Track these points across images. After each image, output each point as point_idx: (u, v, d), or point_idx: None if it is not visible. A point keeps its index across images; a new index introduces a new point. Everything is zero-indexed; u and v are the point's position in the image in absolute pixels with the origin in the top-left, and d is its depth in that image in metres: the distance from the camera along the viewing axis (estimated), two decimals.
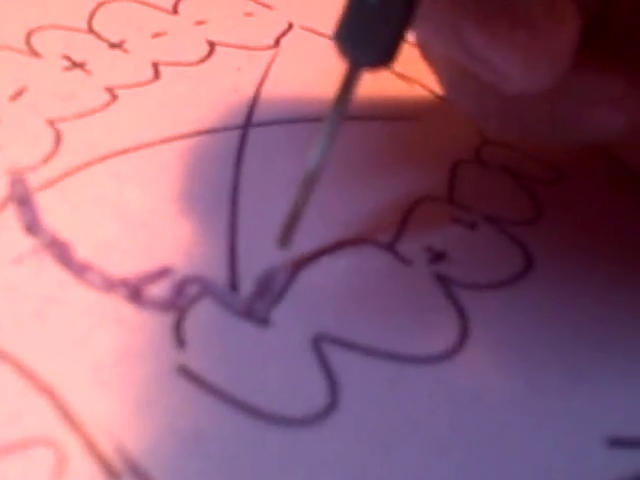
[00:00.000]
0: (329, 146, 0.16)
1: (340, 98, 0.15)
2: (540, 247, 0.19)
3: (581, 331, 0.18)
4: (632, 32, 0.17)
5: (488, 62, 0.15)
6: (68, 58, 0.24)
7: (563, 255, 0.19)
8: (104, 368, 0.15)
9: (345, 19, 0.14)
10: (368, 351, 0.16)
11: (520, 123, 0.17)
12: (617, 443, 0.15)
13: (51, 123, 0.21)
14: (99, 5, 0.27)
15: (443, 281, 0.18)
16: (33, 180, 0.19)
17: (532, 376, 0.16)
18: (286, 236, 0.17)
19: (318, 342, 0.16)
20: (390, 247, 0.19)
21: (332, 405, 0.15)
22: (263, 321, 0.17)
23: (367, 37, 0.14)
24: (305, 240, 0.18)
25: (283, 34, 0.26)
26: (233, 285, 0.17)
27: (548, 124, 0.17)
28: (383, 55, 0.15)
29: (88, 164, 0.20)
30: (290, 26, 0.27)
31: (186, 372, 0.15)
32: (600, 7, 0.17)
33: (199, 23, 0.26)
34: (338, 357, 0.16)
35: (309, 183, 0.16)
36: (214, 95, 0.23)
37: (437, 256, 0.19)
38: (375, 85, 0.24)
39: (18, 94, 0.22)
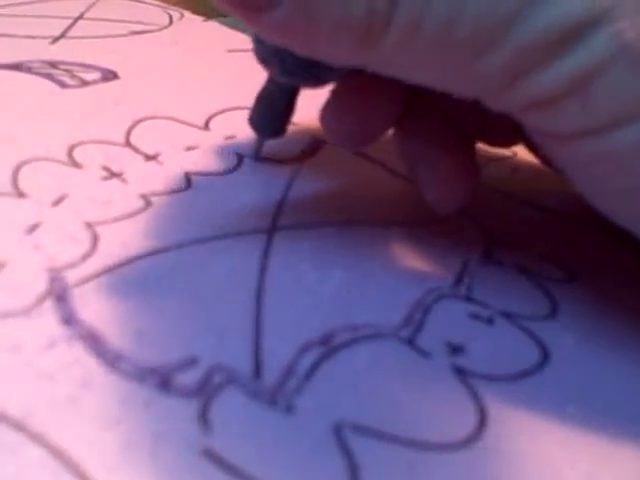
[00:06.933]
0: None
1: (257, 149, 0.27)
2: (556, 342, 0.20)
3: (598, 421, 0.18)
4: None
5: None
6: (107, 169, 0.25)
7: (579, 350, 0.20)
8: (133, 450, 0.16)
9: (257, 113, 0.26)
10: (388, 438, 0.17)
11: None
12: None
13: (89, 226, 0.22)
14: (136, 122, 0.29)
15: (461, 373, 0.19)
16: (71, 276, 0.20)
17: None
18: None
19: (340, 429, 0.17)
20: (410, 341, 0.20)
21: None
22: (287, 409, 0.17)
23: (271, 126, 0.26)
24: (323, 328, 0.19)
25: (309, 146, 0.28)
26: (257, 374, 0.18)
27: None
28: (280, 133, 0.26)
29: (123, 263, 0.21)
30: (316, 141, 0.29)
31: (211, 455, 0.16)
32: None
33: (229, 138, 0.28)
34: (359, 443, 0.17)
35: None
36: (242, 202, 0.24)
37: (455, 349, 0.19)
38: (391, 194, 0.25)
39: (59, 200, 0.23)
